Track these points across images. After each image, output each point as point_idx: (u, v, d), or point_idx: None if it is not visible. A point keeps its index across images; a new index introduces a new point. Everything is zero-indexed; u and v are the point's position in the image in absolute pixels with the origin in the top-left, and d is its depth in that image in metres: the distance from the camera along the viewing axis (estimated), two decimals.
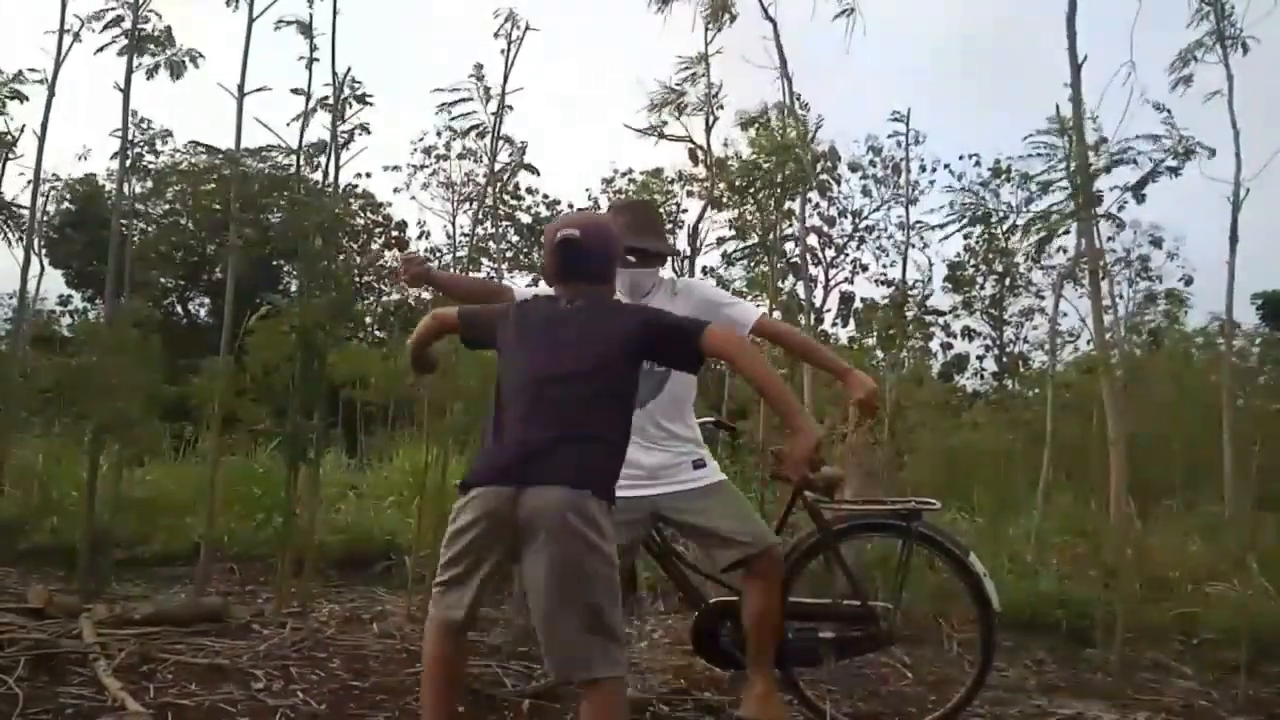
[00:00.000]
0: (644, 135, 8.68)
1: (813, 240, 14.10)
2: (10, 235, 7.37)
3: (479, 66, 5.27)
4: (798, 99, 8.09)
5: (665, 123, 8.55)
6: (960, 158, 15.31)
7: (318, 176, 5.32)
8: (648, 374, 2.99)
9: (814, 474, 2.44)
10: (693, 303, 3.11)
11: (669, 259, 3.45)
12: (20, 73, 6.05)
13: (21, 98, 6.12)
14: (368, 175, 17.47)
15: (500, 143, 5.40)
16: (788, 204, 7.77)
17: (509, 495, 2.15)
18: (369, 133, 5.18)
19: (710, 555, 3.20)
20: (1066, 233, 5.08)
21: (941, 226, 6.56)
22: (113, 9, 5.49)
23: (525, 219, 19.93)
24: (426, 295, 20.09)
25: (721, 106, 8.48)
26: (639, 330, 2.33)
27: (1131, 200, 4.97)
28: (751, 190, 8.00)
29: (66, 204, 18.52)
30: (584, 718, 2.20)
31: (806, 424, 2.28)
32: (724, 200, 9.05)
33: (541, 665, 3.90)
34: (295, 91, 5.06)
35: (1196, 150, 4.72)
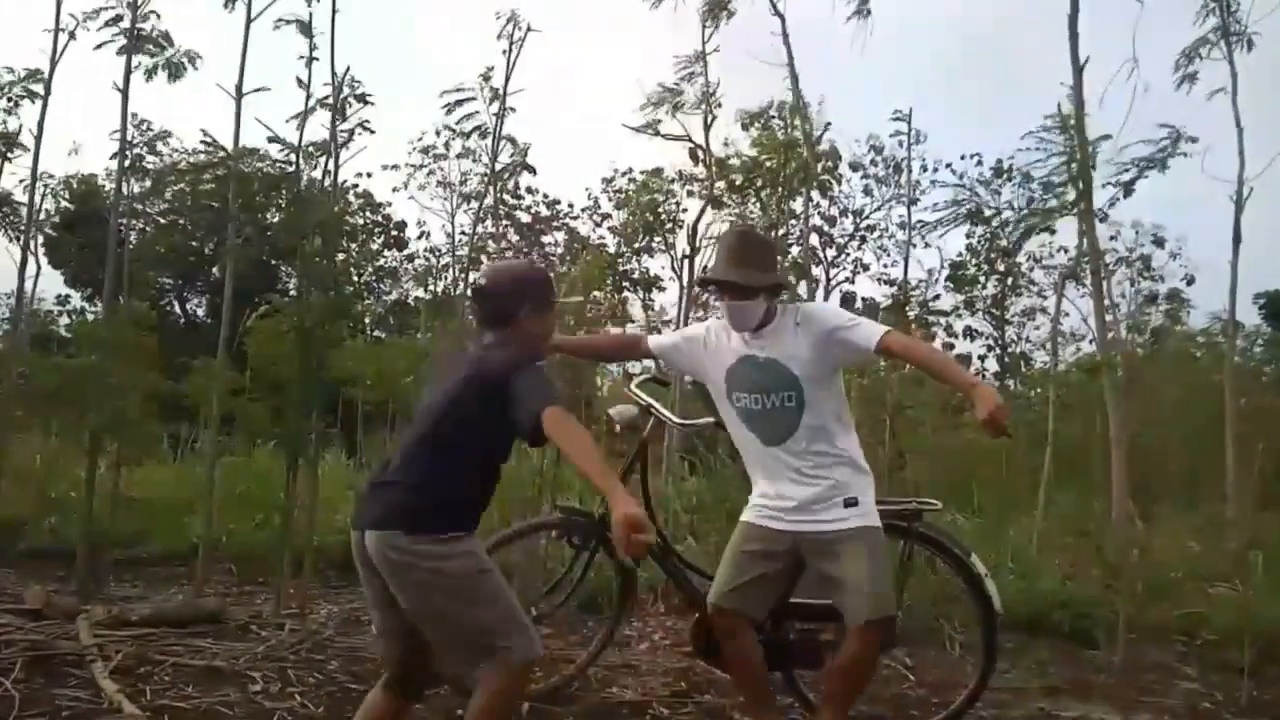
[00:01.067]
0: (640, 132, 8.67)
1: (814, 240, 14.10)
2: (9, 234, 7.36)
3: (489, 69, 5.27)
4: (820, 100, 8.06)
5: (660, 121, 8.54)
6: (962, 157, 15.30)
7: (318, 175, 5.31)
8: (778, 411, 2.99)
9: (634, 554, 2.38)
10: (813, 334, 2.99)
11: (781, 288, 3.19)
12: (36, 71, 6.03)
13: (33, 96, 6.12)
14: (368, 175, 17.46)
15: (502, 142, 5.38)
16: (790, 203, 7.75)
17: (358, 540, 2.52)
18: (371, 131, 5.17)
19: (834, 599, 2.99)
20: (1052, 230, 5.07)
21: (937, 224, 6.56)
22: (111, 7, 5.49)
23: (525, 218, 19.90)
24: (421, 294, 20.09)
25: (719, 105, 8.46)
26: (462, 385, 2.50)
27: (1122, 197, 4.98)
28: (754, 188, 7.98)
29: (64, 204, 18.49)
30: (473, 698, 2.45)
31: (619, 497, 2.24)
32: (724, 199, 9.03)
33: (540, 667, 3.90)
34: (299, 84, 5.05)
35: (1183, 142, 4.72)
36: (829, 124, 8.91)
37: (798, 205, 8.05)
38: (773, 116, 8.25)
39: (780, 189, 7.45)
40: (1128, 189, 4.96)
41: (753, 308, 3.02)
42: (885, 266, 16.23)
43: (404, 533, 2.41)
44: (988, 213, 7.53)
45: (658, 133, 8.44)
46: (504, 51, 5.26)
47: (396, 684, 2.56)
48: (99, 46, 5.48)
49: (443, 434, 2.50)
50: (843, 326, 3.00)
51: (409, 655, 2.54)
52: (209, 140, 5.85)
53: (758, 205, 8.57)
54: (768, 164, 7.58)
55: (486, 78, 5.30)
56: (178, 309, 22.71)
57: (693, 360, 3.28)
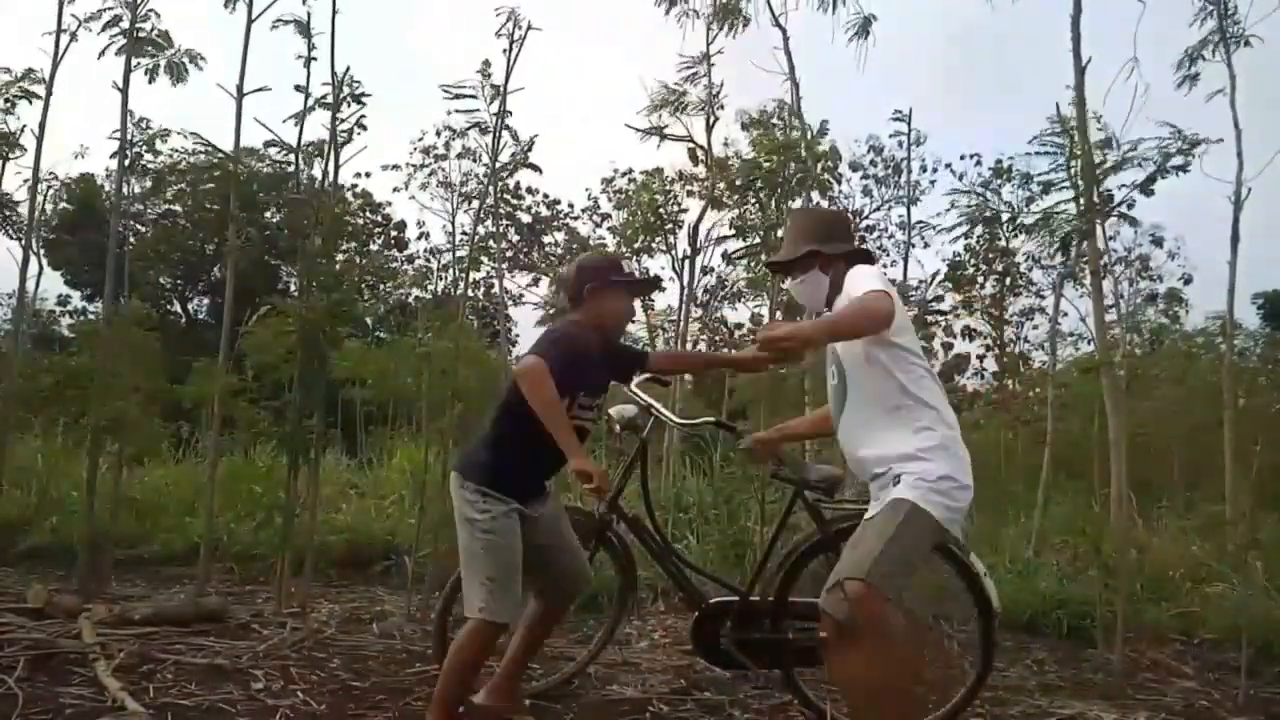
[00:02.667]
0: (646, 136, 8.68)
1: None
2: (10, 233, 7.35)
3: (486, 63, 5.26)
4: (818, 121, 8.02)
5: (666, 125, 8.55)
6: (961, 157, 15.29)
7: (317, 175, 5.32)
8: (834, 387, 2.84)
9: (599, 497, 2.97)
10: (844, 303, 2.72)
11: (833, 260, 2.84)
12: (30, 70, 6.02)
13: (31, 97, 6.10)
14: (367, 175, 17.44)
15: (502, 140, 5.38)
16: (789, 204, 7.75)
17: None
18: (365, 129, 5.17)
19: None
20: (1083, 239, 5.05)
21: (949, 229, 6.57)
22: (110, 9, 5.49)
23: (525, 218, 19.90)
24: (420, 294, 20.07)
25: (722, 106, 8.47)
26: None
27: (1140, 197, 4.97)
28: (753, 189, 7.98)
29: (64, 205, 18.48)
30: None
31: (572, 452, 2.86)
32: (724, 200, 9.04)
33: (541, 666, 3.92)
34: (297, 88, 5.06)
35: (1202, 144, 4.73)
36: (825, 122, 8.90)
37: (797, 206, 8.04)
38: (774, 123, 8.26)
39: (779, 190, 7.46)
40: (1145, 188, 4.96)
41: (807, 284, 2.87)
42: (885, 267, 16.25)
43: (460, 475, 3.02)
44: (1001, 219, 7.54)
45: (664, 137, 8.45)
46: (504, 50, 5.25)
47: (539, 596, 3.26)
48: (100, 54, 5.49)
49: (501, 402, 3.09)
50: (853, 292, 2.63)
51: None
52: (204, 142, 5.86)
53: (757, 205, 8.57)
54: (766, 165, 7.59)
55: (485, 74, 5.27)
56: (179, 309, 22.72)
57: None
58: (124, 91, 5.48)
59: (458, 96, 5.31)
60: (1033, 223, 5.70)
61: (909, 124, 9.00)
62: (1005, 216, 7.50)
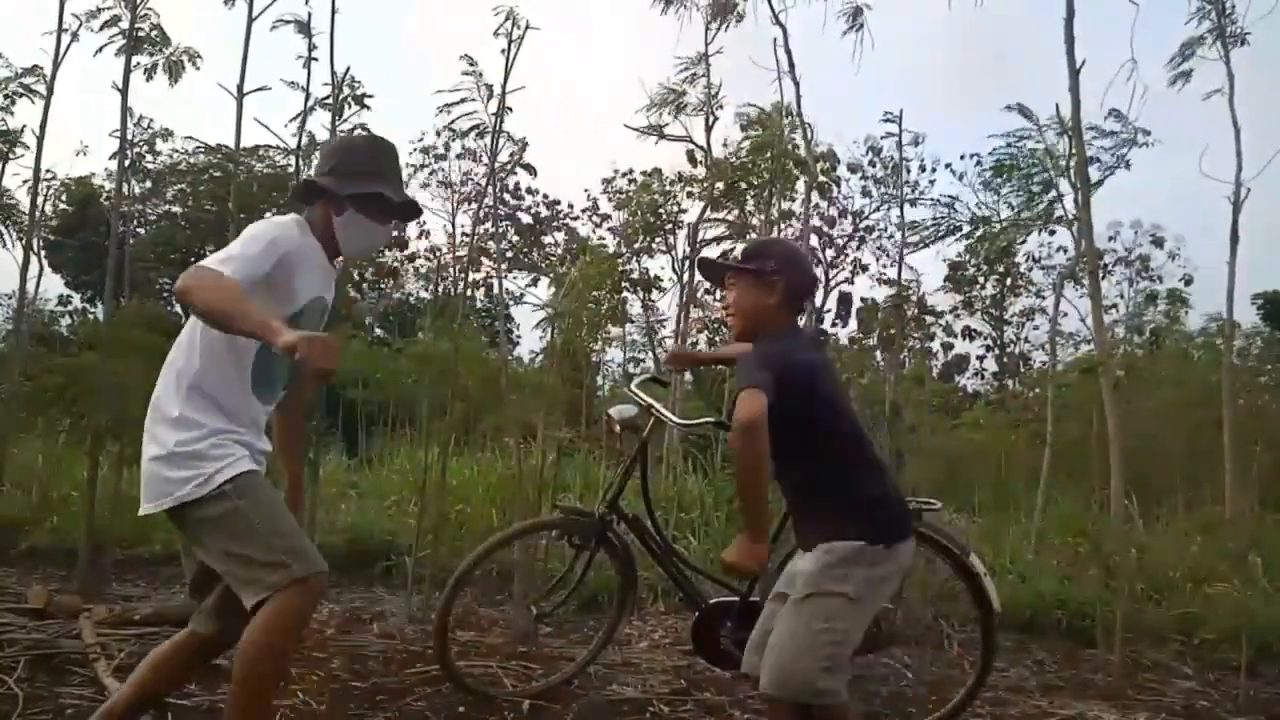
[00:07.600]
0: (644, 135, 8.70)
1: (813, 241, 14.12)
2: (9, 235, 7.36)
3: (472, 62, 5.23)
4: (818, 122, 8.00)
5: (665, 124, 8.57)
6: (961, 157, 15.32)
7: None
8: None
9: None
10: None
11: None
12: (36, 66, 6.02)
13: (32, 94, 6.09)
14: None
15: (500, 141, 5.36)
16: (786, 205, 7.76)
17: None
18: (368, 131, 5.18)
19: None
20: (1022, 241, 5.10)
21: (922, 241, 6.61)
22: (109, 8, 5.49)
23: (526, 219, 19.93)
24: (425, 295, 20.04)
25: (721, 106, 8.49)
26: None
27: (1140, 197, 5.01)
28: (745, 190, 8.00)
29: (64, 206, 18.51)
30: None
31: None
32: (721, 201, 9.06)
33: (541, 666, 3.92)
34: (291, 84, 5.06)
35: (1141, 138, 4.77)
36: (801, 119, 8.91)
37: (797, 206, 8.06)
38: (767, 123, 8.27)
39: (770, 190, 7.47)
40: (1095, 186, 5.02)
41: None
42: (884, 267, 16.28)
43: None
44: (969, 226, 7.51)
45: (662, 135, 8.46)
46: (502, 51, 5.24)
47: None
48: (98, 51, 5.50)
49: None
50: None
51: None
52: (203, 145, 5.90)
53: (753, 205, 8.60)
54: (761, 165, 7.60)
55: (474, 72, 5.23)
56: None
57: None
58: (123, 92, 5.49)
59: (455, 104, 5.29)
60: (1000, 229, 5.72)
61: (900, 125, 8.99)
62: (969, 229, 7.47)
